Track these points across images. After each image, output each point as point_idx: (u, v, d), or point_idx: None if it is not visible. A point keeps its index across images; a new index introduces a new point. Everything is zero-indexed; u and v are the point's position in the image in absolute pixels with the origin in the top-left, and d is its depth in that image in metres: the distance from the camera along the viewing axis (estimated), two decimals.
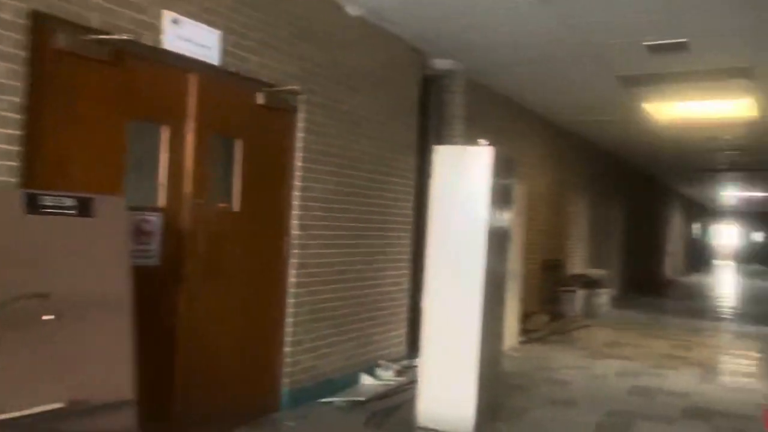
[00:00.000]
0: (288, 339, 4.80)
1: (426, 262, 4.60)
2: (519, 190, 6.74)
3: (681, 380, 6.41)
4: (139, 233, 3.71)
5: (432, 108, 7.11)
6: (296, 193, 4.83)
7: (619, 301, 12.77)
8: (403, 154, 6.22)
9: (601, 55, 6.32)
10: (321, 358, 5.15)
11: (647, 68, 6.66)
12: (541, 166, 9.80)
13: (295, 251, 4.81)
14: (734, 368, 7.18)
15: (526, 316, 8.53)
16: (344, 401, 5.04)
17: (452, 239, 4.49)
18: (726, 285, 21.63)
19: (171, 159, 3.90)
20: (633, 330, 9.66)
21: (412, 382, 5.20)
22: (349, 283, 5.45)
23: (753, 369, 7.09)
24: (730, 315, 12.56)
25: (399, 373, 5.79)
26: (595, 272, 11.78)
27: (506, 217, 4.88)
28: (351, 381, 5.49)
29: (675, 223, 23.67)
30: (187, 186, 3.99)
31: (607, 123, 9.97)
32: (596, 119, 9.72)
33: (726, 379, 6.50)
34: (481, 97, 7.61)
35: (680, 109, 8.68)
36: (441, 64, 6.79)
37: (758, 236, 37.50)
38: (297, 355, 4.88)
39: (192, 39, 3.92)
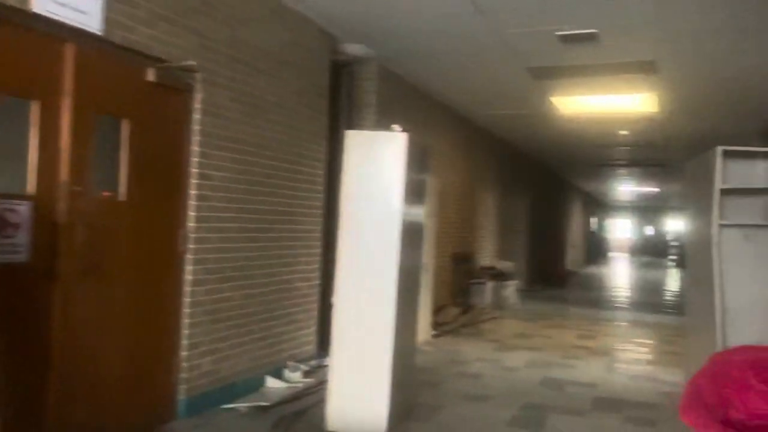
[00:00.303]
0: (184, 342, 4.37)
1: (337, 256, 4.31)
2: (431, 182, 6.59)
3: (588, 370, 6.48)
4: (4, 225, 3.19)
5: (343, 95, 6.82)
6: (193, 181, 4.40)
7: (525, 293, 13.03)
8: (313, 141, 5.89)
9: (514, 46, 6.26)
10: (222, 361, 4.74)
11: (558, 60, 6.68)
12: (452, 159, 9.74)
13: (192, 246, 4.38)
14: (636, 356, 7.38)
15: (437, 309, 8.44)
16: (248, 407, 4.67)
17: (365, 231, 4.22)
18: (621, 276, 22.79)
19: (43, 139, 3.39)
20: (540, 321, 9.82)
21: (322, 383, 4.91)
22: (253, 280, 5.07)
23: (652, 357, 7.32)
24: (627, 304, 13.12)
25: (308, 374, 5.48)
26: (504, 264, 11.94)
27: (420, 209, 4.67)
28: (256, 384, 5.11)
29: (575, 217, 24.68)
30: (63, 171, 3.49)
31: (516, 117, 10.06)
32: (506, 113, 9.78)
33: (630, 368, 6.65)
34: (393, 86, 7.40)
35: (585, 103, 8.86)
36: (352, 49, 6.51)
37: (649, 230, 39.98)
38: (195, 358, 4.46)
39: (67, 3, 3.42)
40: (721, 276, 4.21)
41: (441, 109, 9.17)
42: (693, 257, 5.06)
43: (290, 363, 5.47)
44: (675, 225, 35.40)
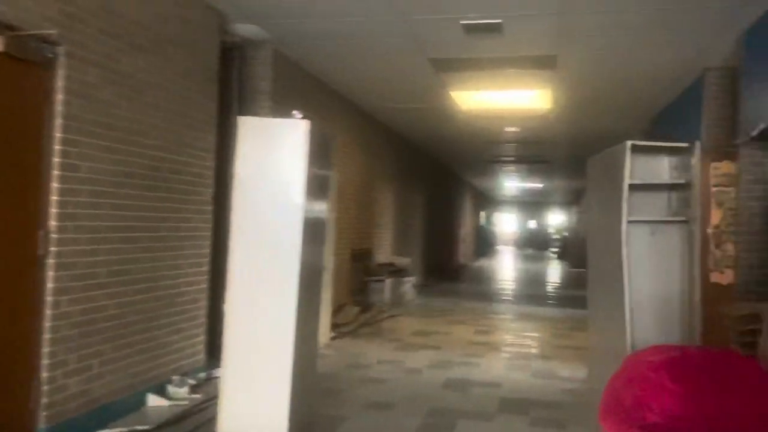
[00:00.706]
0: (45, 361, 3.71)
1: (229, 256, 3.83)
2: (332, 176, 6.20)
3: (490, 368, 6.39)
4: None
5: (234, 81, 6.26)
6: (56, 173, 3.74)
7: (422, 288, 12.99)
8: (201, 130, 5.32)
9: (417, 34, 6.00)
10: (94, 379, 4.11)
11: (460, 51, 6.50)
12: (351, 153, 9.40)
13: (55, 248, 3.73)
14: (534, 351, 7.41)
15: (336, 310, 8.08)
16: (124, 431, 4.08)
17: (262, 229, 3.77)
18: (509, 268, 23.55)
19: None
20: (437, 317, 9.73)
21: (213, 399, 4.41)
22: (132, 285, 4.46)
23: (550, 352, 7.37)
24: (517, 297, 13.41)
25: (196, 388, 4.93)
26: (401, 260, 11.79)
27: (323, 204, 4.28)
28: (136, 404, 4.51)
29: (466, 211, 25.22)
30: None
31: (416, 111, 9.88)
32: (405, 106, 9.56)
33: (530, 364, 6.62)
34: (289, 74, 6.92)
35: (483, 99, 8.82)
36: (244, 30, 5.98)
37: (533, 224, 41.86)
38: (59, 379, 3.81)
39: None
40: (629, 273, 4.17)
41: (340, 101, 8.79)
42: (597, 253, 5.04)
43: (175, 377, 4.90)
44: (556, 219, 37.31)
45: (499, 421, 4.69)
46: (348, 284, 9.27)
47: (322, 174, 4.16)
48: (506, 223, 42.37)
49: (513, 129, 11.39)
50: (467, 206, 25.62)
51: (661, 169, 4.52)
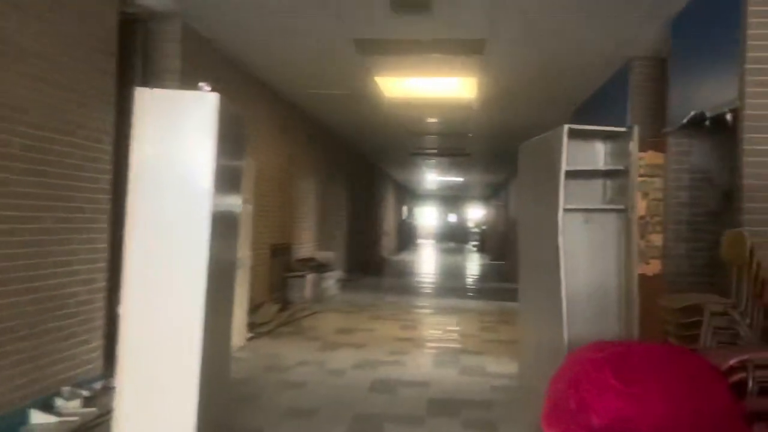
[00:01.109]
0: None
1: (125, 252, 3.30)
2: (247, 164, 5.69)
3: (417, 367, 6.09)
4: None
5: (137, 57, 5.65)
6: None
7: (345, 283, 12.61)
8: (96, 109, 4.70)
9: (340, 10, 5.59)
10: None
11: (386, 32, 6.15)
12: (270, 141, 8.88)
13: None
14: (459, 347, 7.18)
15: (254, 308, 7.57)
16: None
17: (162, 220, 3.27)
18: (430, 262, 23.57)
19: None
20: (361, 313, 9.38)
21: (109, 412, 3.85)
22: (10, 286, 3.83)
23: (475, 347, 7.17)
24: (440, 290, 13.28)
25: (89, 401, 4.35)
26: (324, 255, 11.36)
27: (236, 192, 3.81)
28: (15, 422, 3.89)
29: (389, 204, 25.04)
30: None
31: (339, 97, 9.46)
32: (329, 93, 9.12)
33: (457, 361, 6.38)
34: (201, 53, 6.34)
35: (408, 85, 8.53)
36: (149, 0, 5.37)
37: (453, 218, 42.35)
38: None
39: None
40: (565, 264, 3.94)
41: (257, 84, 8.24)
42: (528, 243, 4.81)
43: (65, 389, 4.30)
44: (475, 213, 37.88)
45: (430, 424, 4.37)
46: (267, 281, 8.76)
47: (234, 159, 3.69)
48: (427, 217, 42.65)
49: (436, 119, 11.18)
50: (390, 200, 25.44)
51: (596, 155, 4.34)
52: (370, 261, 16.48)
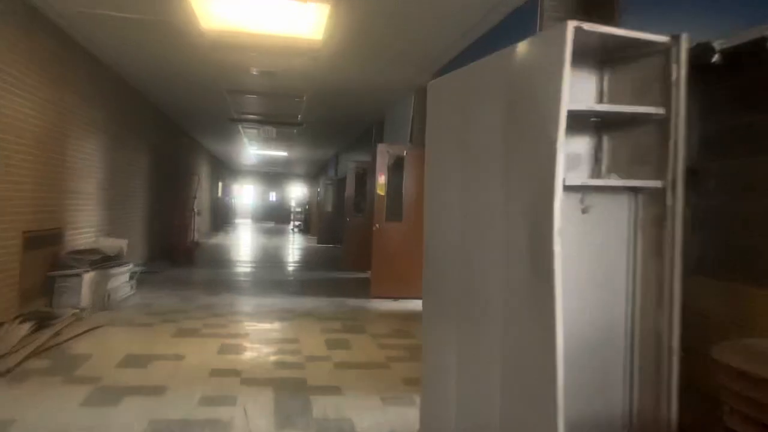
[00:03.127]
0: None
1: None
2: None
3: (247, 429, 3.91)
4: None
5: None
6: None
7: (144, 279, 9.82)
8: None
9: None
10: None
11: None
12: (24, 83, 5.97)
13: None
14: (305, 378, 5.11)
15: None
16: None
17: None
18: (251, 246, 21.00)
19: None
20: (164, 325, 6.86)
21: None
22: None
23: (332, 377, 5.16)
24: (267, 284, 11.00)
25: None
26: (112, 244, 8.52)
27: None
28: None
29: (202, 181, 21.93)
30: None
31: (135, 26, 6.75)
32: (121, 15, 6.38)
33: (310, 409, 4.30)
34: None
35: (234, 15, 6.15)
36: None
37: (274, 196, 39.83)
38: None
39: None
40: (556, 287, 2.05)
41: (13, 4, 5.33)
42: (452, 241, 2.87)
43: None
44: (298, 192, 35.76)
45: None
46: (15, 287, 5.91)
47: None
48: (246, 195, 39.71)
49: (267, 70, 8.83)
50: (203, 175, 22.31)
51: (586, 93, 2.47)
52: (179, 247, 13.61)
